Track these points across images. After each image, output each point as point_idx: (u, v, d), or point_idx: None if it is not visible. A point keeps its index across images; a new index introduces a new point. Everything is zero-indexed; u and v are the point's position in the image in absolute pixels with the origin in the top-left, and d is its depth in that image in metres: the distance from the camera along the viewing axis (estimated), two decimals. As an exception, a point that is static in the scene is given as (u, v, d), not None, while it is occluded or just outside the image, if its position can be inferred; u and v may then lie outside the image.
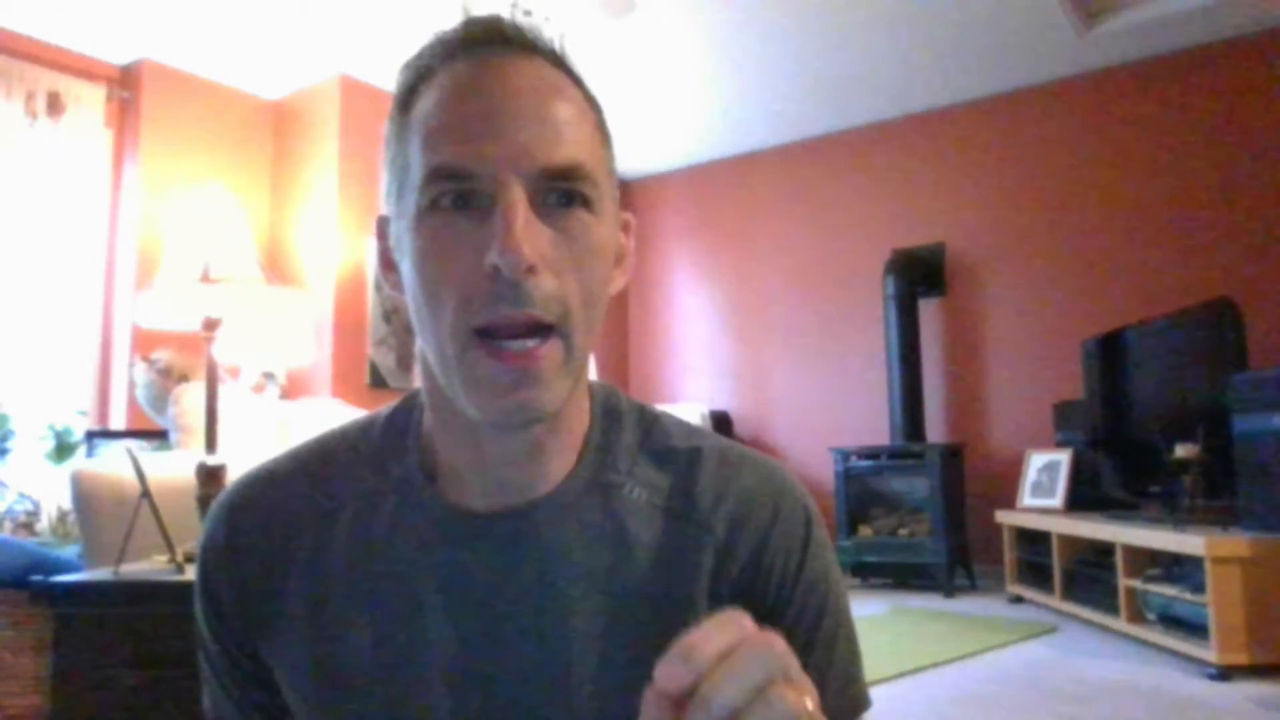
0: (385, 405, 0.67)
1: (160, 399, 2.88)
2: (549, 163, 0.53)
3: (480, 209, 0.52)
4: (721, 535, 0.61)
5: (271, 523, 0.62)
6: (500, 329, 0.52)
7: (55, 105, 4.07)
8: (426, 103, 0.55)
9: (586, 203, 0.55)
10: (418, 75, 0.57)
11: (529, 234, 0.51)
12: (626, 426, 0.65)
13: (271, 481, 0.64)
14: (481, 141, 0.52)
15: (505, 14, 0.57)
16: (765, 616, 0.61)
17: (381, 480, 0.62)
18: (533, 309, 0.51)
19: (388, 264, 0.61)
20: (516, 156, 0.52)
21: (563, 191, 0.54)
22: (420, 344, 0.57)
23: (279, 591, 0.61)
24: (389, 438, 0.64)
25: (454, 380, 0.54)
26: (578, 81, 0.59)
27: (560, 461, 0.61)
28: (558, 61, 0.58)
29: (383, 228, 0.61)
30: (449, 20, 0.57)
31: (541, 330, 0.52)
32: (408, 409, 0.65)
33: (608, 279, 0.58)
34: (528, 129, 0.53)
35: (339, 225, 4.55)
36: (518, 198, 0.51)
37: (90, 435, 3.71)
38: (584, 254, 0.54)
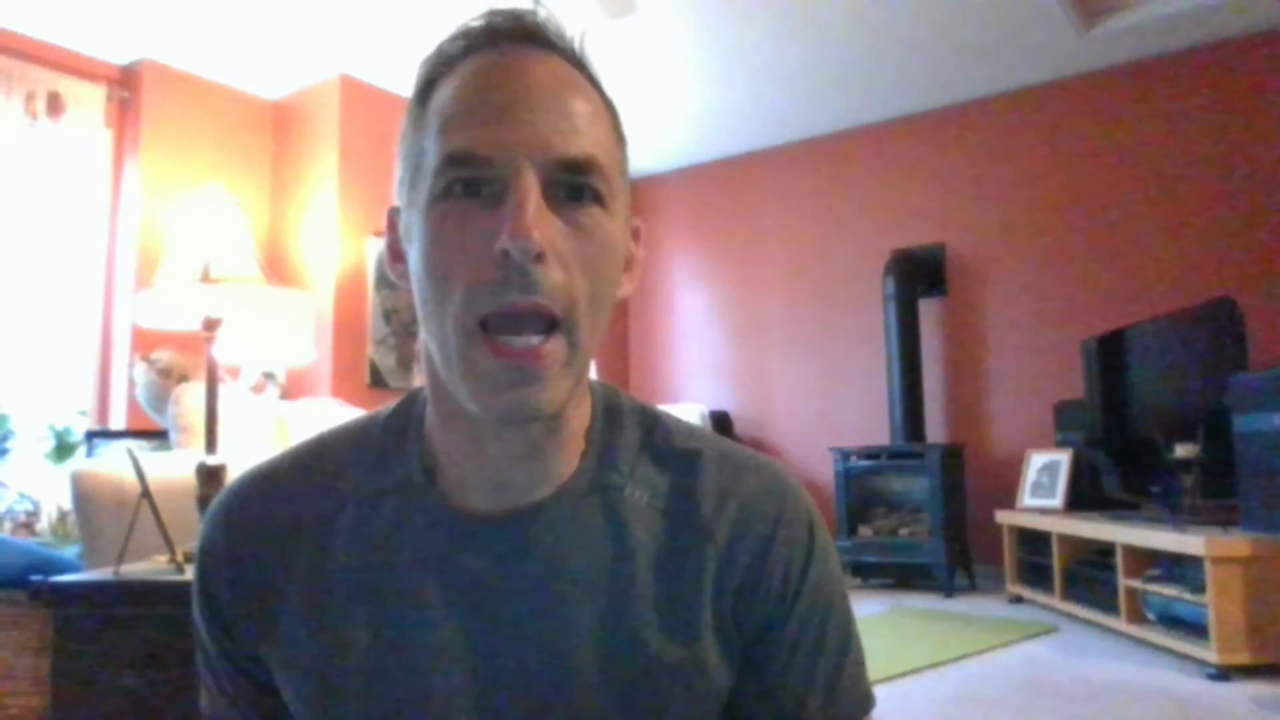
0: (384, 405, 0.67)
1: (160, 399, 2.88)
2: (564, 153, 0.52)
3: (493, 196, 0.52)
4: (723, 541, 0.61)
5: (270, 524, 0.62)
6: (506, 319, 0.51)
7: (55, 105, 4.07)
8: (445, 93, 0.55)
9: (599, 198, 0.54)
10: (439, 66, 0.57)
11: (540, 222, 0.51)
12: (627, 427, 0.64)
13: (270, 482, 0.64)
14: (498, 128, 0.52)
15: (529, 11, 0.57)
16: (768, 623, 0.62)
17: (382, 481, 0.62)
18: (540, 297, 0.51)
19: (396, 255, 0.61)
20: (532, 144, 0.52)
21: (576, 184, 0.53)
22: (424, 336, 0.57)
23: (278, 593, 0.60)
24: (389, 438, 0.63)
25: (454, 373, 0.53)
26: (595, 83, 0.59)
27: (561, 461, 0.60)
28: (576, 62, 0.58)
29: (393, 219, 0.61)
30: (453, 19, 0.57)
31: (546, 325, 0.52)
32: (407, 408, 0.65)
33: (616, 279, 0.58)
34: (545, 118, 0.53)
35: (339, 225, 4.55)
36: (531, 184, 0.51)
37: (90, 435, 3.70)
38: (594, 249, 0.54)
